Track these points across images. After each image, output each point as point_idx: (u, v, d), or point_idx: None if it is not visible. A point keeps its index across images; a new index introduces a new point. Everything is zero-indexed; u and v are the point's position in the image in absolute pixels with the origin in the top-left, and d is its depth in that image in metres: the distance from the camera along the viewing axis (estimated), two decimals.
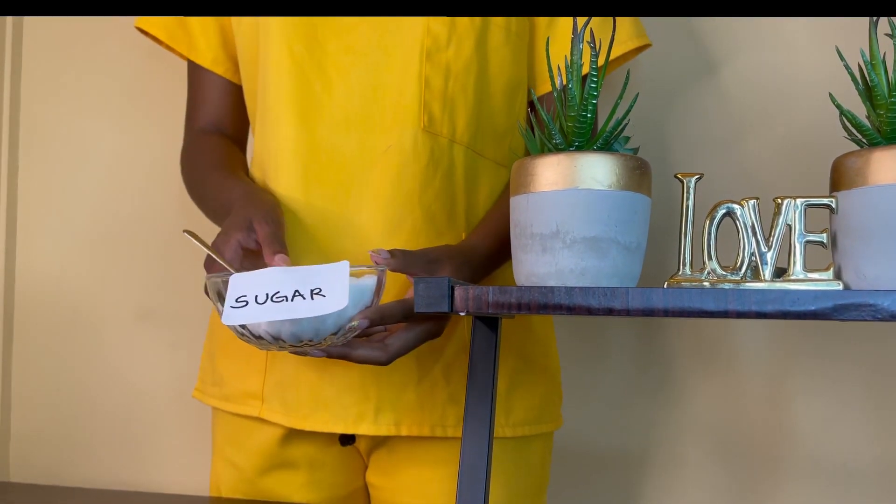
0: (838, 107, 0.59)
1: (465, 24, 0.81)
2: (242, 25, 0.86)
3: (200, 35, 0.90)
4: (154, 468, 1.24)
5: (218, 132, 0.92)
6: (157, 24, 0.90)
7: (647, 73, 1.09)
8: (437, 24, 0.80)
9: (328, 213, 0.80)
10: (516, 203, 0.63)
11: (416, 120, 0.80)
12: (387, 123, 0.80)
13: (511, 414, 0.85)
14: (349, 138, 0.80)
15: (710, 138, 1.09)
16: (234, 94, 0.92)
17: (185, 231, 0.72)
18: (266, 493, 0.85)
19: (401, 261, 0.70)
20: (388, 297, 0.75)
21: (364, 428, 0.80)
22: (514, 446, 0.86)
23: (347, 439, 0.85)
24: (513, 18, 0.84)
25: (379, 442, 0.85)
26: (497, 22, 0.83)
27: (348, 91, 0.80)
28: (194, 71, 0.93)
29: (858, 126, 0.58)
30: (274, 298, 0.61)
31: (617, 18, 0.88)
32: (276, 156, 0.82)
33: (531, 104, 0.90)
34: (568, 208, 0.59)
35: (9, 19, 1.27)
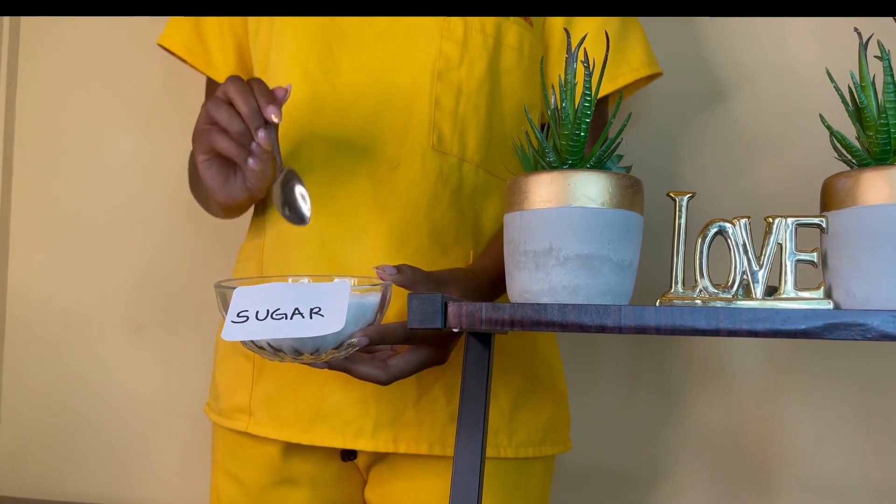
0: (828, 128, 0.59)
1: (478, 45, 0.83)
2: (258, 39, 0.87)
3: (218, 51, 0.91)
4: (144, 483, 1.23)
5: None
6: (177, 40, 0.92)
7: (643, 92, 1.10)
8: (450, 44, 0.82)
9: (336, 229, 0.81)
10: (510, 220, 0.63)
11: (425, 139, 0.81)
12: (396, 142, 0.81)
13: (514, 435, 0.85)
14: (360, 156, 0.81)
15: (705, 156, 1.10)
16: None
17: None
18: None
19: (408, 277, 0.70)
20: (391, 314, 0.75)
21: (362, 443, 0.80)
22: (516, 467, 0.85)
23: (349, 455, 0.85)
24: (525, 40, 0.86)
25: (378, 458, 0.85)
26: (509, 43, 0.84)
27: (359, 109, 0.81)
28: (211, 86, 0.95)
29: (848, 147, 0.58)
30: (274, 315, 0.62)
31: (631, 46, 0.90)
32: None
33: (543, 126, 0.91)
34: (561, 226, 0.59)
35: (6, 19, 1.27)
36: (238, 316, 0.62)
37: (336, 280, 0.65)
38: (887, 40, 0.59)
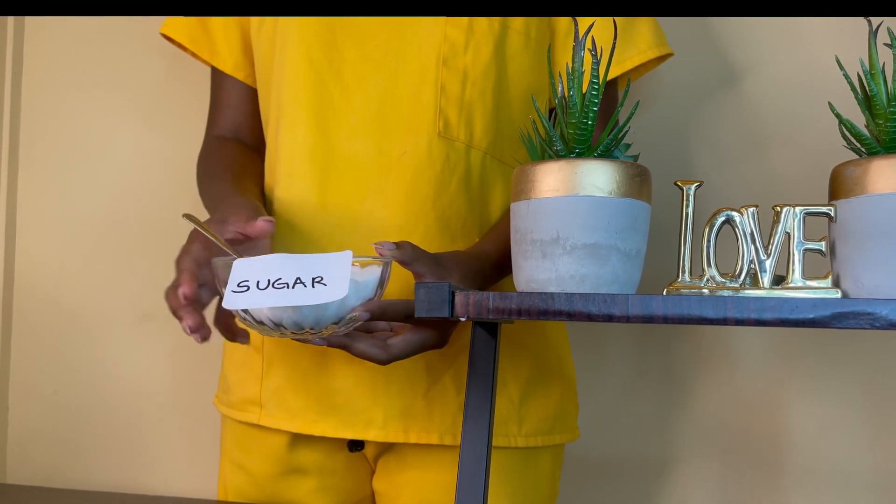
0: (837, 116, 0.59)
1: (484, 29, 0.82)
2: (262, 31, 0.87)
3: (223, 41, 0.91)
4: (151, 473, 1.24)
5: (235, 139, 0.93)
6: (181, 30, 0.91)
7: (649, 81, 1.10)
8: (455, 30, 0.81)
9: (342, 219, 0.80)
10: (517, 209, 0.63)
11: (431, 125, 0.80)
12: (402, 129, 0.80)
13: (524, 424, 0.85)
14: (365, 144, 0.80)
15: (712, 145, 1.10)
16: (255, 100, 0.92)
17: (184, 215, 0.70)
18: (276, 499, 0.86)
19: (407, 253, 0.69)
20: (392, 292, 0.75)
21: (372, 434, 0.80)
22: (524, 457, 0.85)
23: (355, 445, 0.85)
24: (532, 24, 0.85)
25: (386, 448, 0.85)
26: (516, 28, 0.84)
27: (365, 98, 0.81)
28: (216, 76, 0.94)
29: (857, 135, 0.58)
30: (275, 285, 0.61)
31: (638, 27, 0.88)
32: (291, 161, 0.82)
33: (551, 111, 0.90)
34: (568, 215, 0.59)
35: (10, 19, 1.27)
36: (238, 286, 0.61)
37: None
38: None
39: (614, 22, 0.66)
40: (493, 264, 0.79)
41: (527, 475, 0.86)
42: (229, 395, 0.88)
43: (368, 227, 0.80)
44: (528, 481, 0.86)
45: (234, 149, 0.90)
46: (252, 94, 0.92)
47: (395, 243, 0.69)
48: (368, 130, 0.81)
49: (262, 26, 0.87)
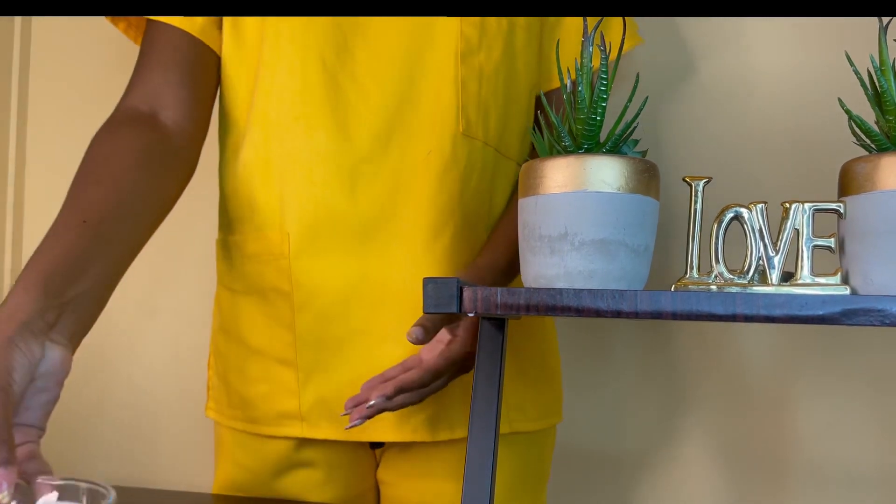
0: (847, 112, 0.59)
1: (494, 26, 0.81)
2: (246, 25, 0.82)
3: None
4: (158, 465, 1.24)
5: (150, 113, 0.77)
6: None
7: (658, 77, 1.09)
8: (469, 26, 0.80)
9: (372, 221, 0.79)
10: (525, 204, 0.63)
11: (454, 124, 0.79)
12: (426, 129, 0.79)
13: (518, 410, 0.86)
14: (390, 145, 0.79)
15: (720, 142, 1.10)
16: (200, 62, 0.79)
17: None
18: (282, 492, 0.85)
19: (430, 333, 0.70)
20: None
21: (390, 435, 0.81)
22: (516, 441, 0.86)
23: (376, 443, 0.86)
24: (533, 20, 0.85)
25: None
26: (520, 24, 0.83)
27: (383, 98, 0.79)
28: (153, 30, 0.79)
29: (867, 131, 0.58)
30: None
31: (603, 18, 0.88)
32: (311, 167, 0.79)
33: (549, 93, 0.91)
34: (576, 210, 0.59)
35: (17, 19, 1.28)
36: None
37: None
38: None
39: (623, 21, 0.66)
40: (499, 277, 0.79)
41: (520, 456, 0.87)
42: (249, 411, 0.85)
43: (399, 229, 0.79)
44: (520, 462, 0.87)
45: (134, 149, 0.74)
46: (198, 54, 0.79)
47: (420, 327, 0.69)
48: (392, 131, 0.79)
49: (244, 22, 0.81)
